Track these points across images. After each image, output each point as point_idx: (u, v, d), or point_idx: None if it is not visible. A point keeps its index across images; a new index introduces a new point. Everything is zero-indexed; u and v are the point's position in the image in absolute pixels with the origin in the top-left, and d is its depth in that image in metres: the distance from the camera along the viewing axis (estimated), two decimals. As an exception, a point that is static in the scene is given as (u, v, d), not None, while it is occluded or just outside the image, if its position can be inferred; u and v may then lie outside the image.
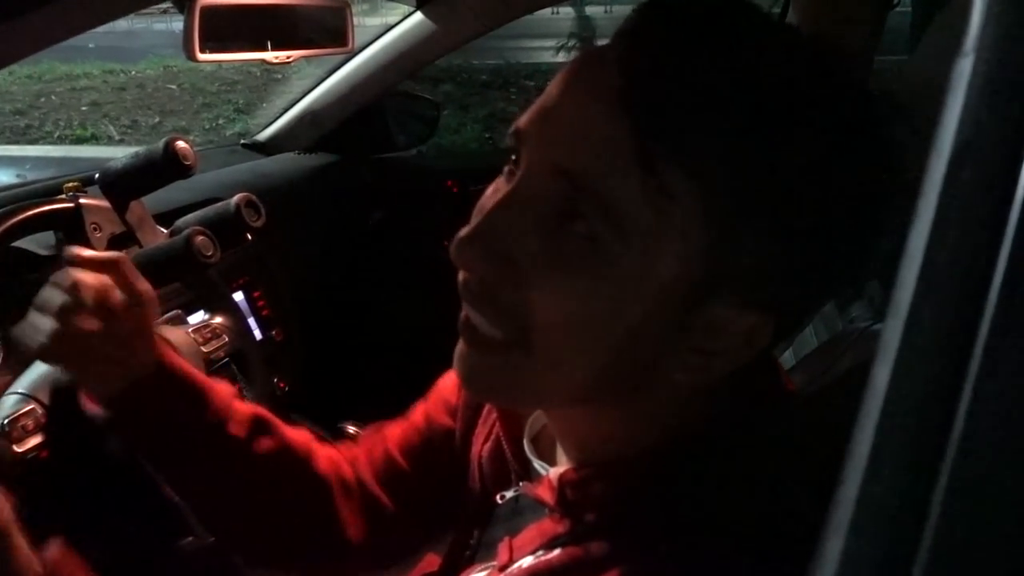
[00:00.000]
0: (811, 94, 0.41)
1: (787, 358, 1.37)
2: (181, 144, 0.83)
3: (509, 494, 0.56)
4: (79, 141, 5.98)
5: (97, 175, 0.86)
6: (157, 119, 6.39)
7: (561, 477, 0.49)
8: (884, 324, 0.26)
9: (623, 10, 0.45)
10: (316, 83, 1.74)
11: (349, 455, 0.74)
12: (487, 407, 0.62)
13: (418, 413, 0.71)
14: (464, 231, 0.44)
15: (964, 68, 0.26)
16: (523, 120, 0.44)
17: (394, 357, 1.54)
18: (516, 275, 0.43)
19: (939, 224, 0.25)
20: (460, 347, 0.48)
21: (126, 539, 0.79)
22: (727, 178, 0.39)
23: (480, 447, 0.62)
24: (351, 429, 1.26)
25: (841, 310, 1.29)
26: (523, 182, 0.43)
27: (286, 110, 1.80)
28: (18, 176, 4.20)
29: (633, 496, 0.47)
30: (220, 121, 6.35)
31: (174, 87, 6.84)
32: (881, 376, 0.25)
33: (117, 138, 6.07)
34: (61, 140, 5.98)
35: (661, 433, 0.47)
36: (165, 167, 0.84)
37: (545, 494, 0.50)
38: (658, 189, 0.39)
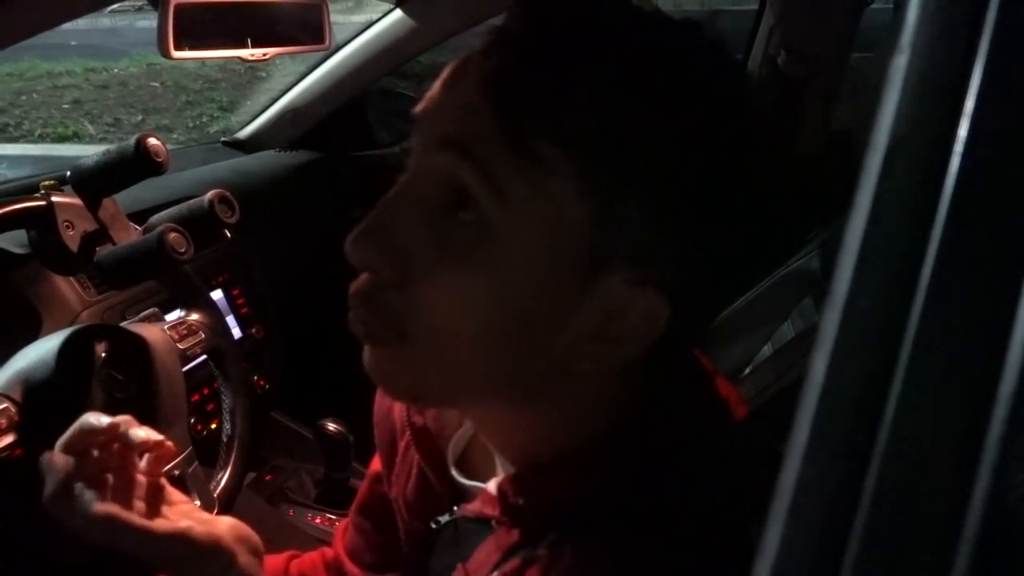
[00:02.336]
0: (674, 67, 0.42)
1: (767, 353, 1.38)
2: (153, 141, 0.83)
3: (444, 519, 0.56)
4: (60, 139, 5.93)
5: (68, 173, 0.85)
6: (140, 117, 6.34)
7: (500, 485, 0.49)
8: (823, 315, 0.27)
9: None
10: (297, 80, 1.74)
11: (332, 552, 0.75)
12: (403, 444, 0.61)
13: (373, 462, 0.71)
14: (357, 229, 0.44)
15: (899, 64, 0.27)
16: (416, 109, 0.45)
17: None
18: (408, 268, 0.43)
19: (874, 217, 0.26)
20: (365, 349, 0.48)
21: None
22: (599, 149, 0.40)
23: (403, 486, 0.61)
24: (330, 426, 1.26)
25: (818, 305, 1.31)
26: (412, 171, 0.44)
27: (267, 107, 1.79)
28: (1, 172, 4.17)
29: (572, 495, 0.47)
30: (204, 119, 6.31)
31: (157, 85, 6.79)
32: (819, 366, 0.26)
33: (99, 136, 6.02)
34: (42, 138, 5.93)
35: (588, 428, 0.47)
36: (137, 164, 0.83)
37: (487, 508, 0.50)
38: (531, 162, 0.40)
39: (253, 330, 1.36)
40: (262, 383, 1.35)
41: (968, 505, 0.24)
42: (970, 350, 0.25)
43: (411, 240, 0.43)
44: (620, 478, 0.46)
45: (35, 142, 5.86)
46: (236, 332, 1.32)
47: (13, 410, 0.74)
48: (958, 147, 0.25)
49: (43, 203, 0.85)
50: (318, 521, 1.29)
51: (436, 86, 0.45)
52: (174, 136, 6.02)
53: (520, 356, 0.44)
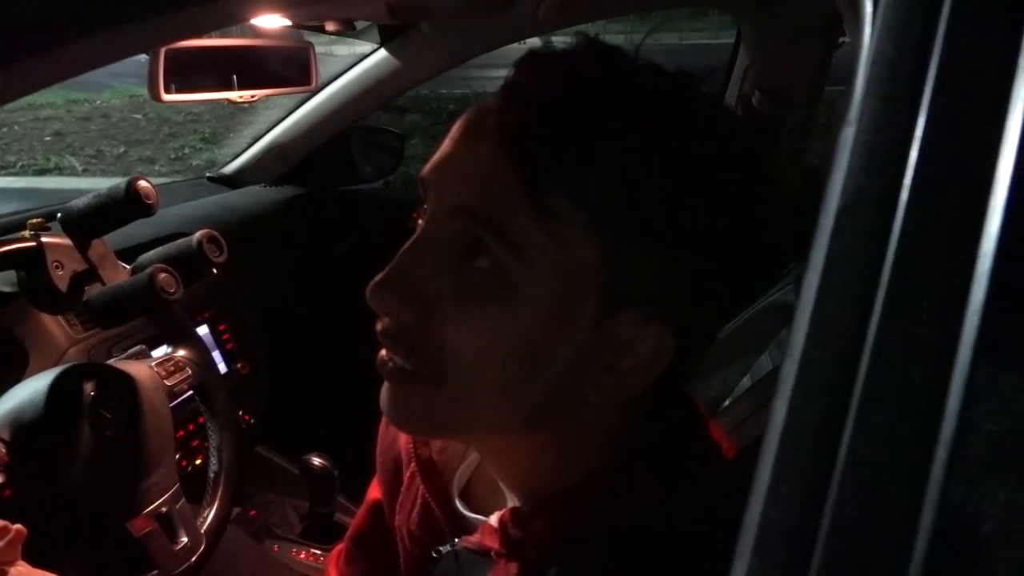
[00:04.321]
0: (676, 120, 0.45)
1: (745, 385, 1.41)
2: (143, 184, 0.85)
3: (445, 549, 0.57)
4: (42, 172, 5.92)
5: (59, 214, 0.87)
6: (122, 149, 6.35)
7: (501, 518, 0.51)
8: (782, 364, 0.29)
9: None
10: (282, 117, 1.76)
11: None
12: (408, 474, 0.63)
13: (370, 491, 0.72)
14: (377, 277, 0.47)
15: (847, 136, 0.30)
16: (425, 170, 0.47)
17: (360, 389, 1.56)
18: (428, 314, 0.46)
19: (826, 275, 0.28)
20: (384, 387, 0.50)
21: (90, 575, 0.80)
22: (610, 201, 0.43)
23: (407, 515, 0.62)
24: (316, 461, 1.27)
25: (793, 337, 1.34)
26: (428, 226, 0.47)
27: (252, 143, 1.82)
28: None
29: (573, 529, 0.49)
30: (186, 151, 6.33)
31: (139, 117, 6.81)
32: (779, 410, 0.28)
33: (81, 168, 6.01)
34: (24, 171, 5.91)
35: (590, 462, 0.49)
36: (127, 206, 0.85)
37: (488, 540, 0.52)
38: (546, 216, 0.43)
39: (238, 365, 1.37)
40: (247, 418, 1.36)
41: (916, 535, 0.26)
42: (913, 394, 0.27)
43: (429, 287, 0.45)
44: (618, 516, 0.48)
45: (17, 174, 5.84)
46: (222, 367, 1.33)
47: (3, 450, 0.75)
48: (900, 211, 0.28)
49: (33, 244, 0.86)
50: (303, 556, 1.29)
51: (448, 144, 0.47)
52: (156, 168, 6.03)
53: (534, 389, 0.47)
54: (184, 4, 0.54)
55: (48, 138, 6.37)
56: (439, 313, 0.45)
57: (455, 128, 0.47)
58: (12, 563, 0.64)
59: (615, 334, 0.45)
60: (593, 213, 0.43)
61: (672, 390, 0.51)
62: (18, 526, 0.64)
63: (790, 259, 1.50)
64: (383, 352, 0.49)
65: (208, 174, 1.84)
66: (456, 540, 0.56)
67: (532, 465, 0.52)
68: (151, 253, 0.90)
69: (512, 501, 0.54)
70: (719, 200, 0.44)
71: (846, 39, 1.57)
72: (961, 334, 0.26)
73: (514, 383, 0.46)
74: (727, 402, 1.25)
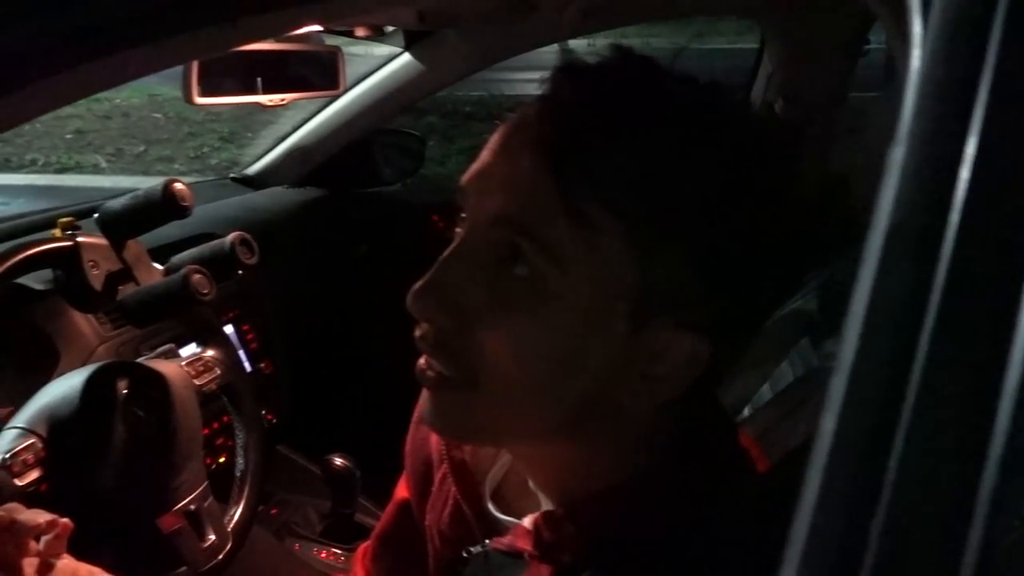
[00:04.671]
0: (708, 129, 0.46)
1: (765, 393, 1.41)
2: (179, 186, 0.86)
3: (476, 549, 0.58)
4: (63, 170, 5.98)
5: (96, 215, 0.88)
6: (142, 148, 6.40)
7: (536, 520, 0.52)
8: (831, 378, 0.30)
9: (606, 43, 0.50)
10: (305, 118, 1.78)
11: None
12: (439, 475, 0.64)
13: (397, 489, 0.73)
14: (418, 284, 0.48)
15: (897, 156, 0.30)
16: (464, 179, 0.49)
17: (380, 389, 1.57)
18: (467, 320, 0.47)
19: (877, 293, 0.29)
20: (423, 393, 0.51)
21: (121, 571, 0.81)
22: (642, 211, 0.44)
23: (438, 515, 0.63)
24: (338, 462, 1.28)
25: (816, 346, 1.34)
26: (467, 234, 0.48)
27: (275, 145, 1.83)
28: (2, 204, 4.20)
29: (606, 533, 0.49)
30: (205, 149, 6.37)
31: (159, 116, 6.86)
32: (828, 424, 0.29)
33: (102, 166, 6.07)
34: (45, 168, 5.97)
35: (623, 467, 0.50)
36: (163, 208, 0.87)
37: (521, 542, 0.53)
38: (583, 225, 0.44)
39: (262, 365, 1.38)
40: (269, 417, 1.37)
41: (965, 551, 0.27)
42: (964, 410, 0.28)
43: (468, 295, 0.47)
44: (651, 520, 0.49)
45: (38, 172, 5.90)
46: (246, 366, 1.34)
47: (40, 445, 0.77)
48: (950, 230, 0.29)
49: (70, 244, 0.88)
50: (323, 555, 1.30)
51: (487, 154, 0.48)
52: (175, 166, 6.08)
53: (569, 396, 0.48)
54: (224, 19, 0.55)
55: (69, 136, 6.42)
56: (477, 320, 0.46)
57: (494, 139, 0.49)
58: (59, 556, 0.65)
59: (649, 341, 0.46)
60: (627, 222, 0.44)
61: (705, 397, 0.52)
62: (65, 520, 0.66)
63: (811, 266, 1.51)
64: (422, 360, 0.50)
65: (232, 175, 1.86)
66: (487, 541, 0.57)
67: (567, 469, 0.52)
68: (184, 254, 0.92)
69: (545, 504, 0.55)
70: (751, 208, 0.45)
71: (870, 47, 1.57)
72: (1012, 351, 0.27)
73: (550, 389, 0.47)
74: (747, 411, 1.26)
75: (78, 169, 6.01)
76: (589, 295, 0.45)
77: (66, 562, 0.66)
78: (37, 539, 0.65)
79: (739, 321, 0.48)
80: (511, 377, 0.47)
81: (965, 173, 0.29)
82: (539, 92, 0.49)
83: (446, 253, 0.48)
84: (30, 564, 0.64)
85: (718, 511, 0.49)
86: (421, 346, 0.49)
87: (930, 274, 0.28)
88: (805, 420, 0.86)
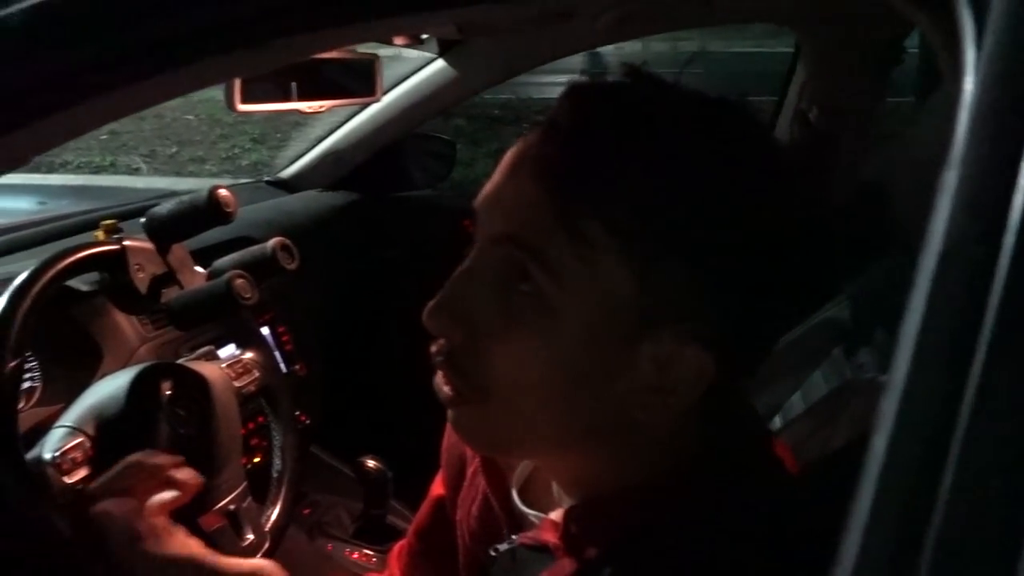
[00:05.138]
0: (707, 148, 0.47)
1: (796, 402, 1.40)
2: (224, 193, 0.88)
3: (503, 546, 0.59)
4: (98, 170, 6.08)
5: (144, 220, 0.91)
6: (175, 149, 6.49)
7: (565, 514, 0.54)
8: (882, 399, 0.30)
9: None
10: (337, 123, 1.80)
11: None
12: (471, 470, 0.66)
13: (433, 487, 0.76)
14: (432, 302, 0.51)
15: (950, 180, 0.31)
16: (476, 201, 0.51)
17: (411, 392, 1.58)
18: (477, 335, 0.49)
19: (928, 318, 0.29)
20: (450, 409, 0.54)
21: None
22: (641, 227, 0.45)
23: (467, 509, 0.65)
24: (370, 463, 1.29)
25: (849, 356, 1.33)
26: (476, 253, 0.51)
27: (308, 149, 1.86)
28: (40, 204, 4.28)
29: (630, 530, 0.51)
30: (236, 151, 6.45)
31: (191, 118, 6.96)
32: (879, 444, 0.30)
33: (140, 167, 6.16)
34: (80, 169, 6.08)
35: (647, 469, 0.52)
36: (208, 214, 0.89)
37: (548, 536, 0.54)
38: (582, 242, 0.46)
39: (296, 366, 1.40)
40: (303, 419, 1.39)
41: (1017, 572, 0.27)
42: (1017, 431, 0.28)
43: (478, 310, 0.49)
44: (674, 519, 0.50)
45: (73, 172, 6.00)
46: (282, 368, 1.36)
47: (88, 444, 0.79)
48: (1004, 255, 0.29)
49: (117, 248, 0.90)
50: (355, 556, 1.32)
51: (495, 176, 0.51)
52: (207, 167, 6.16)
53: (580, 408, 0.50)
54: (266, 40, 0.56)
55: (104, 137, 6.53)
56: (487, 335, 0.49)
57: (503, 161, 0.51)
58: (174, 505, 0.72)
59: (654, 355, 0.47)
60: (624, 239, 0.46)
61: (728, 402, 0.53)
62: (199, 480, 0.74)
63: (844, 275, 1.50)
64: (438, 375, 0.52)
65: (266, 178, 1.89)
66: (513, 537, 0.59)
67: (588, 474, 0.54)
68: (226, 259, 0.94)
69: (569, 501, 0.56)
70: (750, 224, 0.46)
71: (906, 53, 1.56)
72: (1065, 377, 0.27)
73: (559, 402, 0.49)
74: (778, 420, 1.25)
75: (112, 169, 6.11)
76: (590, 310, 0.47)
77: (163, 525, 0.71)
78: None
79: (746, 333, 0.49)
80: (520, 390, 0.49)
81: (1019, 197, 0.29)
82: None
83: (457, 271, 0.51)
84: (156, 503, 0.71)
85: (744, 513, 0.50)
86: (435, 361, 0.52)
87: (983, 299, 0.29)
88: (840, 432, 0.86)
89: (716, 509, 0.49)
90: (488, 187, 0.51)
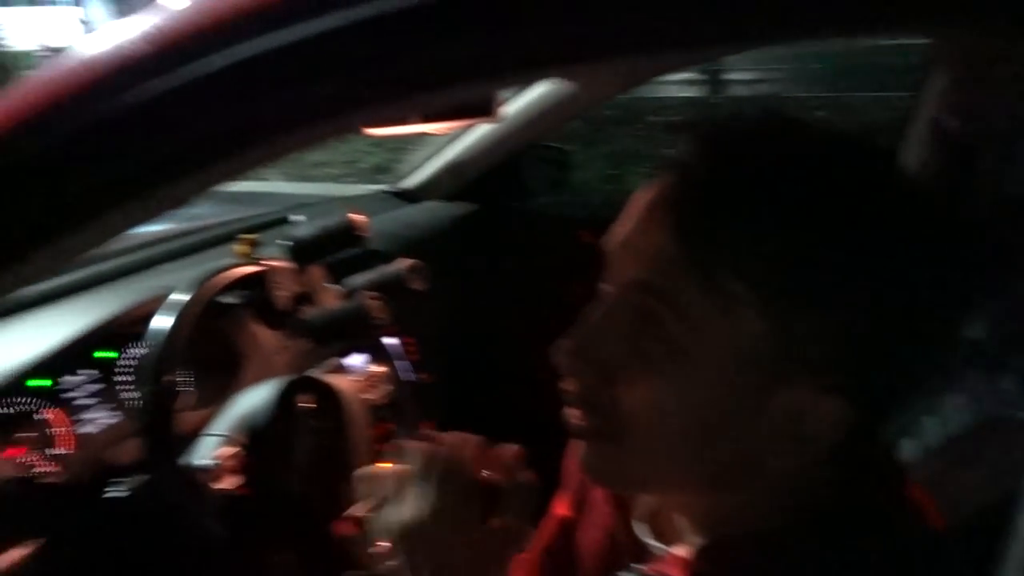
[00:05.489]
0: (842, 197, 0.46)
1: (932, 427, 1.34)
2: (360, 218, 0.94)
3: (624, 574, 0.59)
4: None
5: (291, 243, 0.97)
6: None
7: (697, 553, 0.54)
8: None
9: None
10: (458, 134, 1.84)
11: None
12: (595, 494, 0.66)
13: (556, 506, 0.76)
14: (566, 343, 0.52)
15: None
16: (609, 244, 0.52)
17: (530, 404, 1.61)
18: (609, 378, 0.50)
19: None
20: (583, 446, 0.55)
21: (303, 572, 0.89)
22: (774, 277, 0.45)
23: (590, 533, 0.66)
24: (484, 473, 1.32)
25: (988, 380, 1.26)
26: (610, 297, 0.51)
27: (428, 158, 1.91)
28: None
29: (760, 570, 0.51)
30: (357, 154, 6.70)
31: (315, 123, 7.25)
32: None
33: (279, 173, 6.47)
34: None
35: (778, 513, 0.51)
36: (344, 237, 0.94)
37: (673, 571, 0.54)
38: (715, 291, 0.46)
39: (422, 376, 1.45)
40: (428, 426, 1.44)
41: None
42: None
43: (610, 354, 0.50)
44: (803, 566, 0.50)
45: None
46: (408, 378, 1.41)
47: (242, 452, 0.85)
48: None
49: (262, 269, 0.97)
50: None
51: (626, 221, 0.51)
52: (329, 170, 6.42)
53: (712, 453, 0.50)
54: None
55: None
56: (617, 377, 0.50)
57: (633, 206, 0.52)
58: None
59: (789, 403, 0.47)
60: (760, 288, 0.45)
61: (865, 448, 0.52)
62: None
63: (983, 293, 1.42)
64: (569, 411, 0.54)
65: (386, 188, 1.95)
66: (637, 566, 0.59)
67: (716, 516, 0.54)
68: (360, 279, 0.99)
69: (693, 540, 0.56)
70: (891, 271, 0.45)
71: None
72: None
73: (690, 446, 0.50)
74: (908, 445, 1.20)
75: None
76: (722, 357, 0.47)
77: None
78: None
79: (885, 383, 0.48)
80: (651, 433, 0.50)
81: None
82: (673, 155, 0.51)
83: (591, 315, 0.52)
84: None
85: (876, 565, 0.49)
86: (566, 399, 0.53)
87: None
88: (981, 477, 0.82)
89: (847, 558, 0.49)
90: (620, 231, 0.52)
